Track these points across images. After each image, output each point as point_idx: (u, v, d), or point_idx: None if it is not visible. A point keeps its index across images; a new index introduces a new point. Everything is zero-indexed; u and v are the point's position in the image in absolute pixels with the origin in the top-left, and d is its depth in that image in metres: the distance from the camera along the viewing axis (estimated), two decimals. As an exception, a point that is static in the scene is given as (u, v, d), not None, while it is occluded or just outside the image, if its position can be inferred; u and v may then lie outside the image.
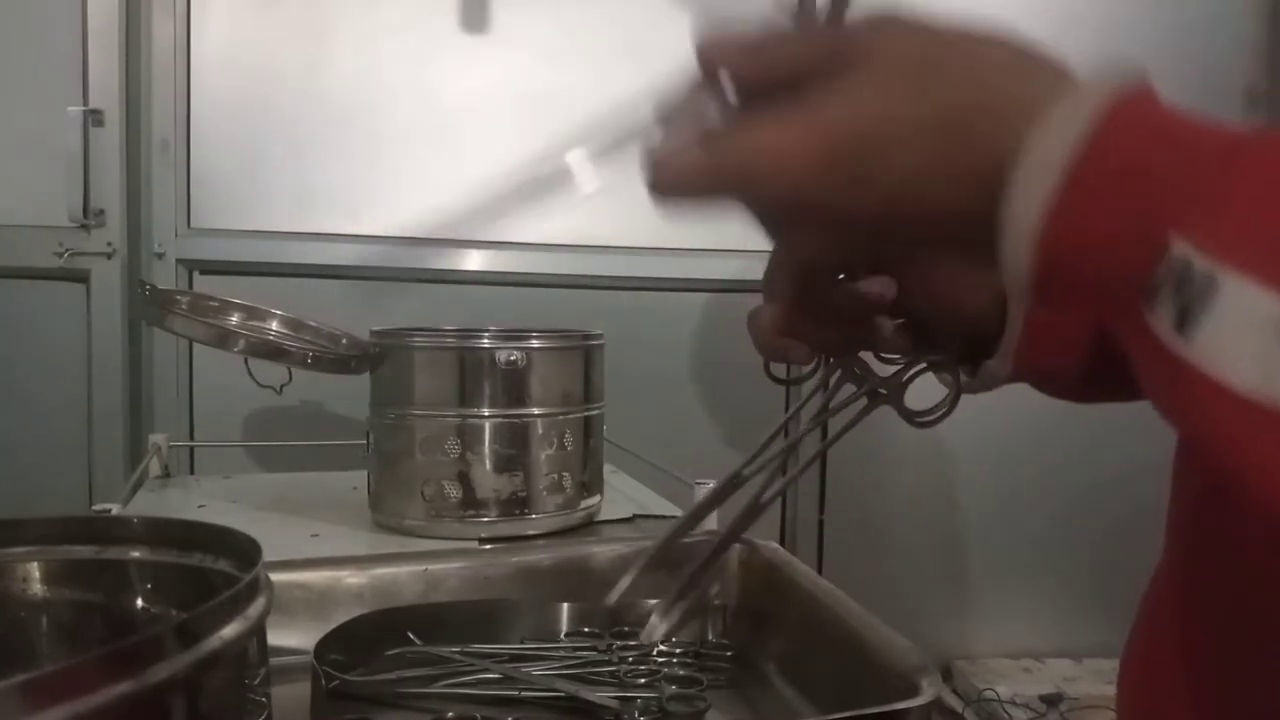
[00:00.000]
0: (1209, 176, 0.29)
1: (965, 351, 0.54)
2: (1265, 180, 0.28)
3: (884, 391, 0.56)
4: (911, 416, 0.56)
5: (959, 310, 0.52)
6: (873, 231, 0.35)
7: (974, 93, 0.33)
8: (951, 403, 0.56)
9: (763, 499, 0.62)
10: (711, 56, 0.40)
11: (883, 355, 0.56)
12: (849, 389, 0.58)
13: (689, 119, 0.41)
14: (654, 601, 0.77)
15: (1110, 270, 0.30)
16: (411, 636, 0.69)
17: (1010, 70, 0.34)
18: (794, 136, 0.34)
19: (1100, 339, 0.55)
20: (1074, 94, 0.31)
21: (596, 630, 0.74)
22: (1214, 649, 0.43)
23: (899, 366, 0.56)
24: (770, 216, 0.38)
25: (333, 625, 0.66)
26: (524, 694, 0.65)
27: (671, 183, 0.39)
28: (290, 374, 1.12)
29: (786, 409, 1.68)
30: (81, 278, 1.51)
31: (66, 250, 1.48)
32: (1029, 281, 0.32)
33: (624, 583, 0.68)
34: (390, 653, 0.68)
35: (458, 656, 0.68)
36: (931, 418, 0.56)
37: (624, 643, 0.72)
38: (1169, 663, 0.46)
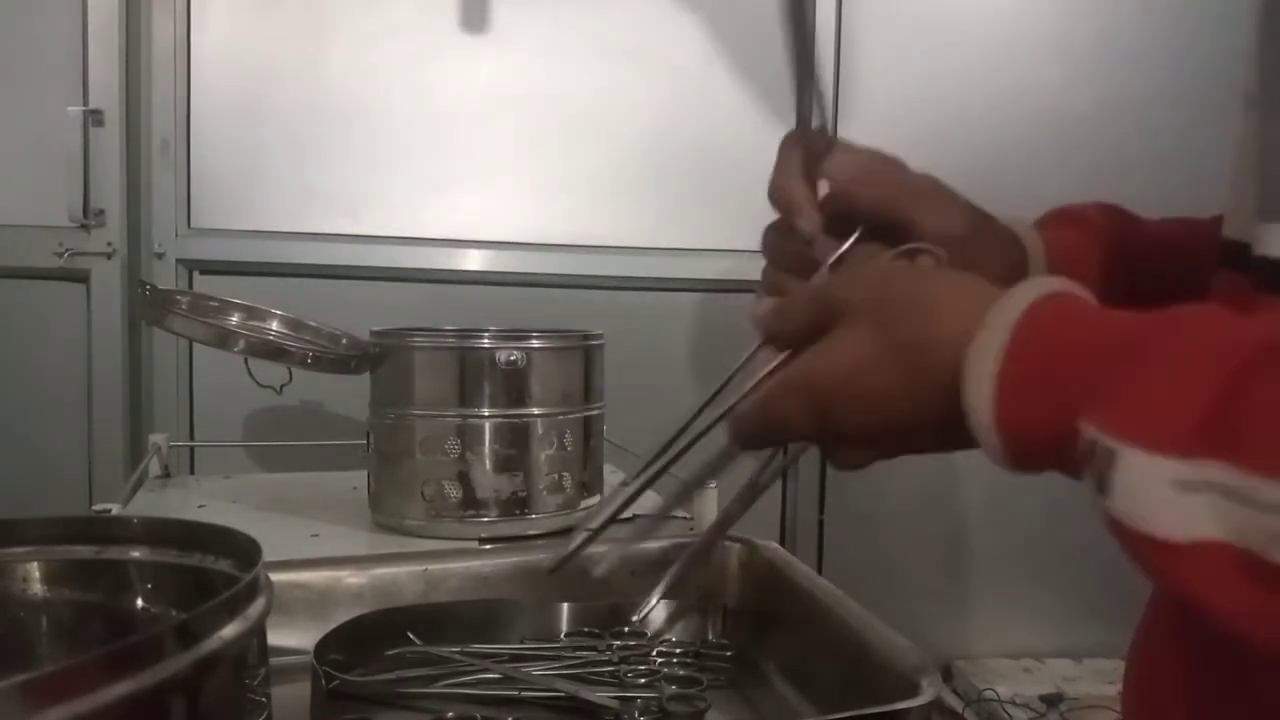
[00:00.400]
0: (1104, 369, 0.36)
1: None
2: (1148, 371, 0.35)
3: None
4: None
5: None
6: (855, 441, 0.46)
7: (925, 326, 0.42)
8: None
9: (761, 479, 0.65)
10: (758, 323, 0.52)
11: None
12: None
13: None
14: (667, 601, 0.77)
15: (1052, 449, 0.38)
16: (411, 636, 0.69)
17: (951, 303, 0.43)
18: (786, 391, 0.46)
19: None
20: (999, 314, 0.40)
21: (596, 630, 0.74)
22: (1215, 650, 0.43)
23: None
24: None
25: (333, 625, 0.66)
26: (524, 694, 0.65)
27: (738, 439, 0.55)
28: (290, 374, 1.12)
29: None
30: (81, 278, 1.51)
31: (66, 250, 1.48)
32: (1004, 459, 0.40)
33: (654, 599, 0.68)
34: (390, 653, 0.68)
35: (458, 656, 0.68)
36: None
37: (624, 643, 0.72)
38: (1171, 662, 0.46)
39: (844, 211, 0.55)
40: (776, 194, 0.57)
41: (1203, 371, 0.33)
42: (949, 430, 0.41)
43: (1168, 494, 0.33)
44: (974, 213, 0.58)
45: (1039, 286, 0.41)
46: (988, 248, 0.57)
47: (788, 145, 0.57)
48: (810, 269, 0.56)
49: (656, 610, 0.77)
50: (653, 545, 0.84)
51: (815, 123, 0.56)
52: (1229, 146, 0.48)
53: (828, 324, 0.45)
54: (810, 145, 0.55)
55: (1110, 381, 0.36)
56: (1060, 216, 0.65)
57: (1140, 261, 0.63)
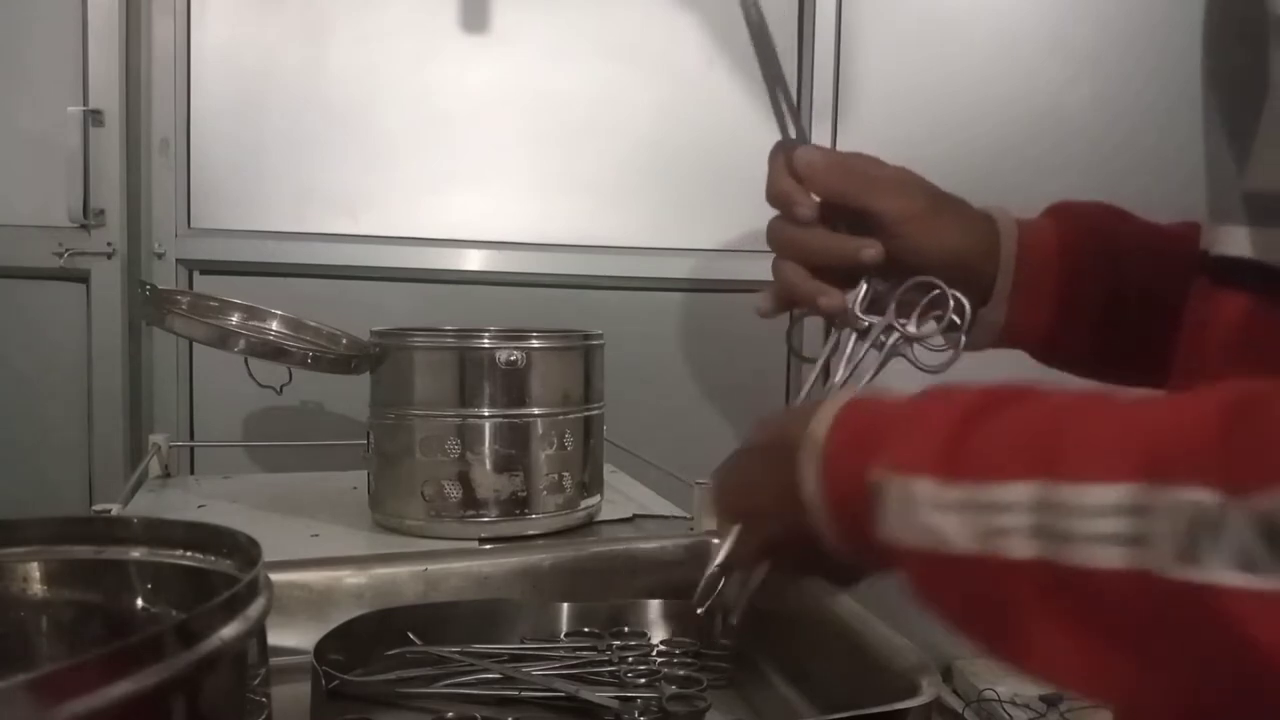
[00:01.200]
0: (882, 430, 0.45)
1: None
2: (906, 426, 0.44)
3: (898, 330, 0.63)
4: (923, 365, 0.64)
5: (949, 266, 0.63)
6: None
7: (770, 466, 0.51)
8: (956, 343, 0.63)
9: None
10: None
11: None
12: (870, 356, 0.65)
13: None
14: (655, 601, 0.77)
15: (856, 510, 0.45)
16: (411, 636, 0.69)
17: (777, 447, 0.51)
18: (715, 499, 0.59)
19: (1105, 314, 0.66)
20: (808, 440, 0.48)
21: (596, 630, 0.74)
22: None
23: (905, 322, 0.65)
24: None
25: (333, 625, 0.66)
26: (524, 694, 0.65)
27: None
28: (290, 374, 1.12)
29: (787, 399, 1.68)
30: (81, 278, 1.51)
31: (66, 250, 1.48)
32: (832, 536, 0.48)
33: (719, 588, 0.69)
34: (390, 653, 0.68)
35: (458, 656, 0.68)
36: (942, 359, 0.63)
37: (624, 643, 0.73)
38: None
39: (820, 204, 0.63)
40: (772, 194, 0.64)
41: (946, 417, 0.42)
42: (790, 520, 0.49)
43: (912, 509, 0.42)
44: (938, 196, 0.64)
45: (836, 401, 0.49)
46: (950, 220, 0.64)
47: (774, 154, 0.65)
48: (812, 257, 0.63)
49: (657, 610, 0.77)
50: (652, 545, 0.84)
51: (793, 134, 0.64)
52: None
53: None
54: (790, 149, 0.63)
55: (885, 437, 0.45)
56: (1050, 209, 0.68)
57: (1130, 260, 0.64)
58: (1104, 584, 0.35)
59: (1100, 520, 0.35)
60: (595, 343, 1.03)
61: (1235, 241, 0.46)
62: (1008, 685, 1.67)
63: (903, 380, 0.56)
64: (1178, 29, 1.73)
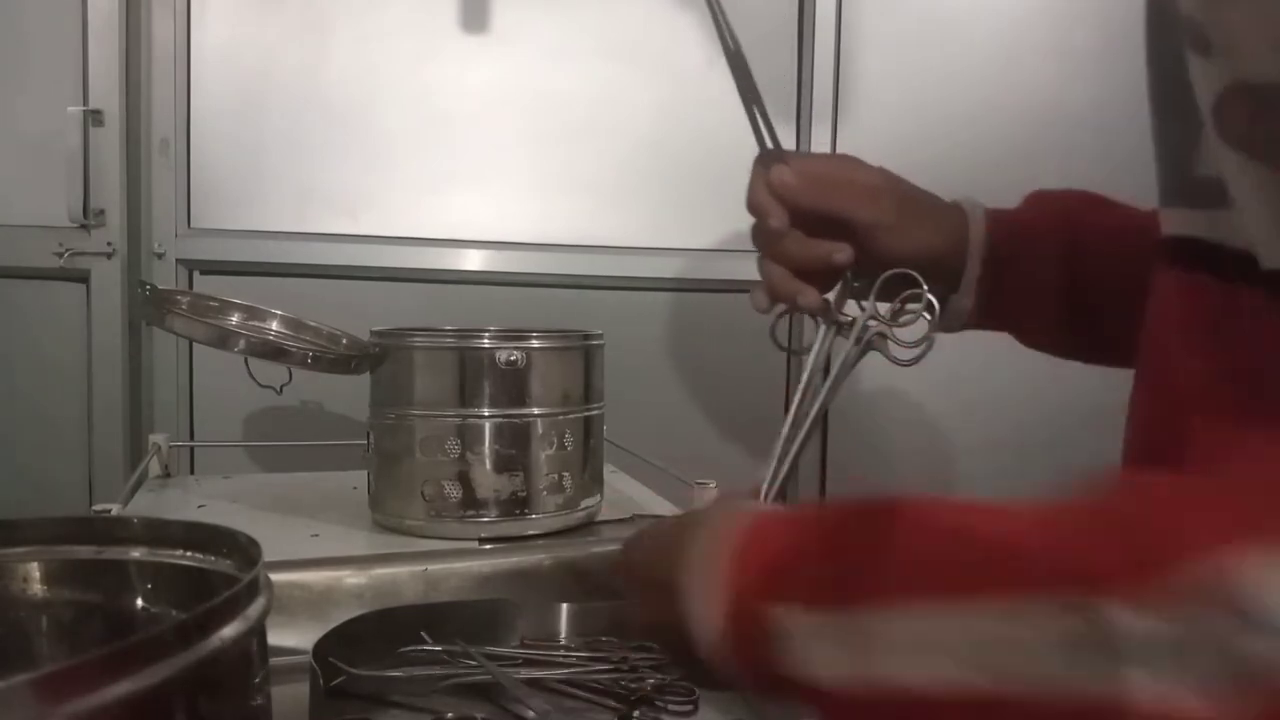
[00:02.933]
0: (787, 568, 0.44)
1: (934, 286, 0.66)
2: (800, 557, 0.45)
3: (876, 323, 0.66)
4: (896, 358, 0.66)
5: (917, 260, 0.66)
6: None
7: (669, 567, 0.51)
8: (928, 340, 0.64)
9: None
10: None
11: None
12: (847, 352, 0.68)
13: None
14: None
15: (750, 654, 0.45)
16: (413, 636, 0.69)
17: (684, 552, 0.51)
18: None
19: (1071, 290, 0.68)
20: (699, 561, 0.49)
21: (596, 630, 0.74)
22: None
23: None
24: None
25: (332, 625, 0.66)
26: (523, 694, 0.65)
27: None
28: (290, 374, 1.12)
29: (786, 399, 1.68)
30: (81, 278, 1.51)
31: (66, 250, 1.48)
32: (726, 664, 0.47)
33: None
34: (390, 652, 0.68)
35: (458, 656, 0.68)
36: (914, 354, 0.65)
37: (623, 642, 0.73)
38: None
39: (793, 211, 0.66)
40: (750, 206, 0.67)
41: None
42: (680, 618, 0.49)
43: (810, 642, 0.41)
44: (909, 199, 0.67)
45: (722, 529, 0.49)
46: (921, 225, 0.67)
47: (755, 165, 0.67)
48: (790, 260, 0.67)
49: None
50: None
51: (770, 144, 0.67)
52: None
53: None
54: (769, 163, 0.66)
55: (785, 571, 0.45)
56: (1026, 199, 0.71)
57: (1104, 243, 0.66)
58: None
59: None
60: (595, 343, 1.03)
61: (1183, 222, 0.48)
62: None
63: (880, 374, 0.57)
64: (1112, 20, 1.73)
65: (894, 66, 1.70)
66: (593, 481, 1.03)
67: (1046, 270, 0.68)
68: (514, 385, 0.96)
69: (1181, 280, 0.47)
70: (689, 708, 0.65)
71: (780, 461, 0.67)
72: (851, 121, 1.66)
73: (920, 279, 0.64)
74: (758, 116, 0.67)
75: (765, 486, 0.66)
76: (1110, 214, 0.69)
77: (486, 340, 0.97)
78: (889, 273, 0.66)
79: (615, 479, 1.22)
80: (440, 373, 0.97)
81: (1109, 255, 0.67)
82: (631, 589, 0.57)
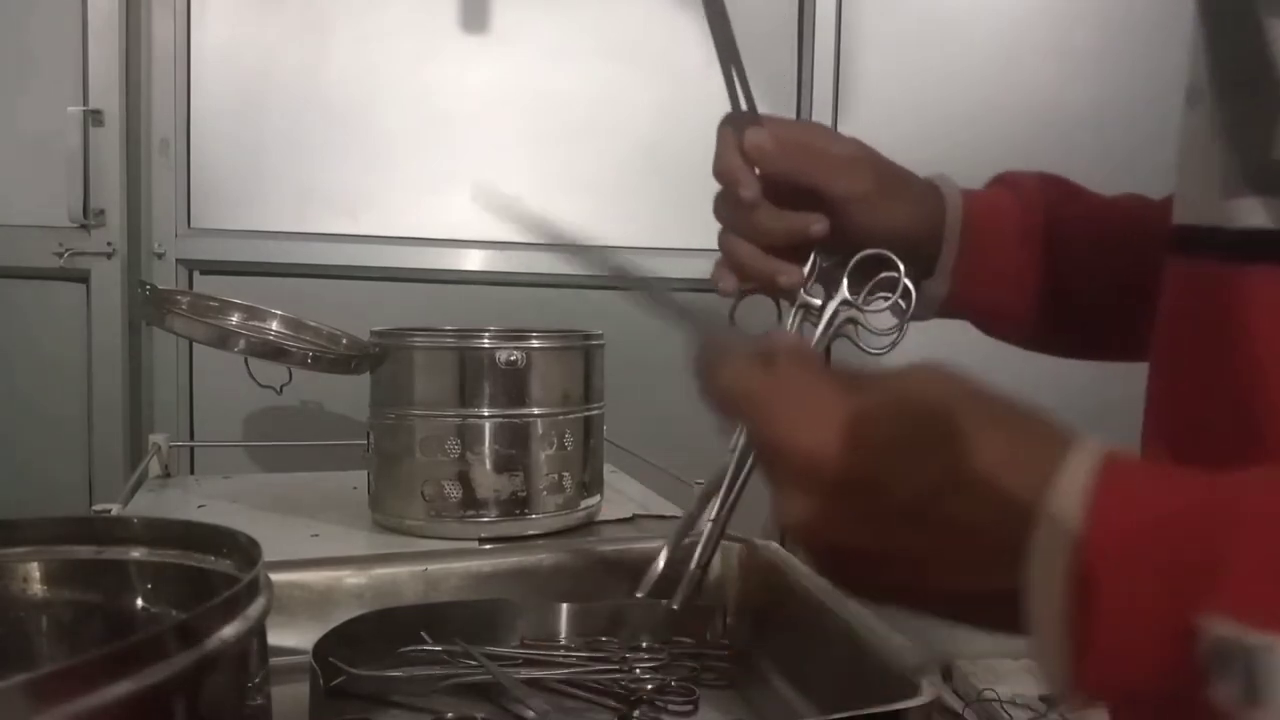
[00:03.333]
0: (1219, 547, 0.29)
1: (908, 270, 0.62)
2: (1270, 546, 0.29)
3: (850, 308, 0.62)
4: (866, 347, 0.62)
5: (895, 242, 0.61)
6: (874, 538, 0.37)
7: (972, 508, 0.34)
8: (901, 329, 0.62)
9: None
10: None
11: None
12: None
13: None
14: (663, 602, 0.77)
15: (1147, 662, 0.31)
16: (413, 635, 0.69)
17: (1022, 434, 0.35)
18: (838, 411, 0.37)
19: (1045, 284, 0.63)
20: (1055, 505, 0.32)
21: (596, 630, 0.74)
22: None
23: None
24: (777, 471, 0.39)
25: (332, 625, 0.66)
26: (523, 694, 0.65)
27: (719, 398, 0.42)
28: (290, 374, 1.12)
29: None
30: (81, 278, 1.51)
31: (66, 250, 1.48)
32: (1069, 682, 0.32)
33: (656, 568, 0.67)
34: (390, 652, 0.68)
35: (458, 656, 0.68)
36: (886, 343, 0.62)
37: (623, 642, 0.72)
38: None
39: (767, 179, 0.61)
40: (718, 170, 0.63)
41: None
42: (969, 583, 0.36)
43: None
44: (886, 172, 0.62)
45: (1088, 457, 0.33)
46: (898, 200, 0.62)
47: (722, 128, 0.63)
48: (760, 235, 0.62)
49: (657, 611, 0.76)
50: (652, 545, 0.84)
51: (744, 107, 0.62)
52: (1176, 141, 0.50)
53: (882, 383, 0.39)
54: (741, 125, 0.62)
55: (1241, 560, 0.29)
56: (995, 179, 0.68)
57: (1078, 231, 0.64)
58: None
59: None
60: (595, 343, 1.03)
61: (1253, 211, 0.43)
62: (1008, 685, 1.68)
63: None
64: (1177, 29, 1.73)
65: (894, 66, 1.70)
66: (593, 481, 1.03)
67: (1026, 257, 0.64)
68: (514, 385, 0.96)
69: (1255, 275, 0.43)
70: (689, 708, 0.65)
71: (739, 468, 0.59)
72: (851, 121, 1.66)
73: (898, 261, 0.60)
74: (734, 76, 0.62)
75: (721, 496, 0.59)
76: (1084, 201, 0.67)
77: (486, 340, 0.97)
78: (864, 253, 0.61)
79: (615, 479, 1.22)
80: (440, 373, 0.97)
81: (1091, 244, 0.64)
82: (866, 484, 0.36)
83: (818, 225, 0.60)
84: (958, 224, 0.63)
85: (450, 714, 0.63)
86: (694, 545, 0.64)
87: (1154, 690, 0.31)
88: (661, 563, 0.59)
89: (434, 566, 0.76)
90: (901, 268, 0.60)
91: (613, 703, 0.65)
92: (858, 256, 0.61)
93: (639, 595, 0.62)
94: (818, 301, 0.63)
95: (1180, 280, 0.49)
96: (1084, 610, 0.31)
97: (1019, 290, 0.65)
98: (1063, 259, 0.64)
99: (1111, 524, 0.31)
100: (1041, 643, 0.32)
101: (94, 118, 1.48)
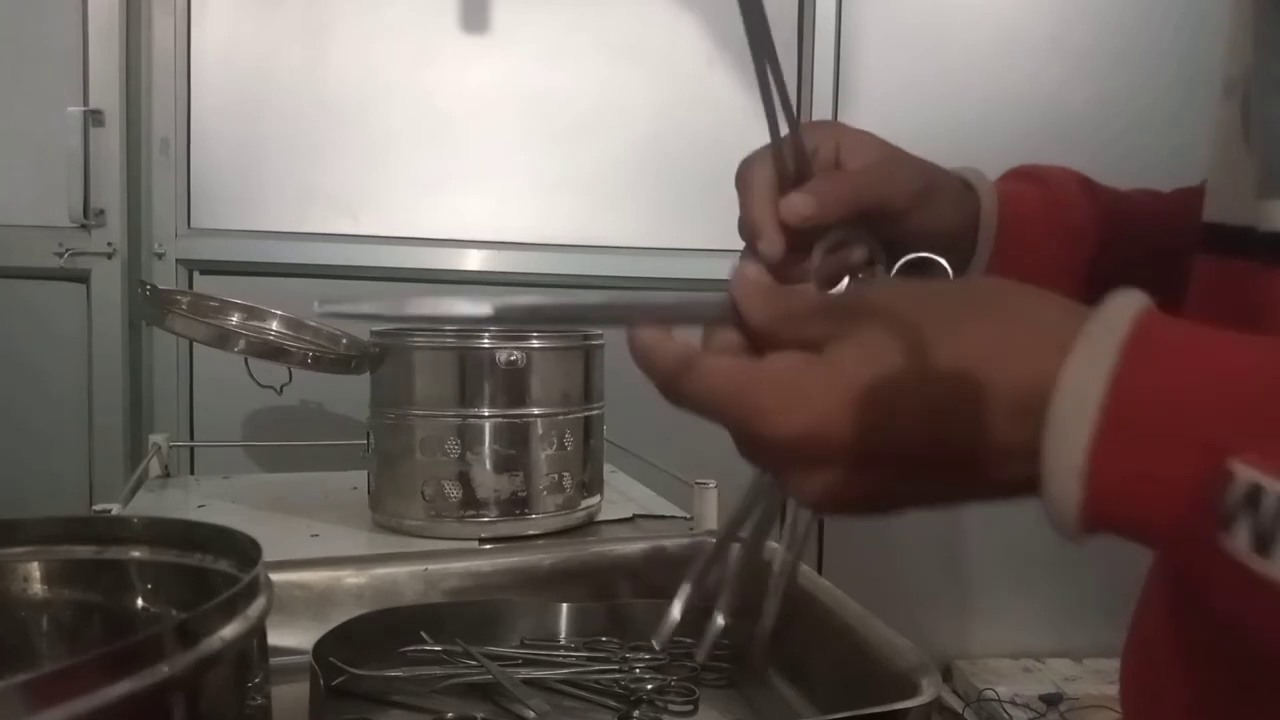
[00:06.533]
0: (1253, 396, 0.30)
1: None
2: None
3: None
4: None
5: (932, 241, 0.56)
6: (901, 470, 0.36)
7: (991, 336, 0.34)
8: None
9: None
10: (743, 302, 0.40)
11: None
12: None
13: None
14: (655, 602, 0.77)
15: (1167, 500, 0.31)
16: (413, 635, 0.69)
17: (1023, 312, 0.35)
18: (817, 384, 0.35)
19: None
20: (1096, 325, 0.32)
21: (596, 630, 0.74)
22: (1219, 647, 0.43)
23: None
24: (788, 461, 0.37)
25: (332, 625, 0.66)
26: (523, 694, 0.65)
27: (689, 399, 0.39)
28: (290, 374, 1.12)
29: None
30: (81, 278, 1.51)
31: (66, 250, 1.48)
32: (1079, 515, 0.32)
33: (672, 616, 0.55)
34: (390, 652, 0.68)
35: (458, 656, 0.68)
36: None
37: (623, 642, 0.73)
38: (1172, 660, 0.46)
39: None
40: (743, 220, 0.53)
41: None
42: (994, 472, 0.34)
43: None
44: (930, 179, 0.58)
45: (1135, 298, 0.33)
46: (939, 205, 0.57)
47: (757, 164, 0.53)
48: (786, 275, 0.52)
49: (657, 611, 0.76)
50: (652, 545, 0.84)
51: (781, 123, 0.53)
52: (1208, 133, 0.49)
53: (844, 333, 0.37)
54: (781, 165, 0.52)
55: (1268, 412, 0.29)
56: (1018, 173, 0.66)
57: (1103, 227, 0.63)
58: None
59: None
60: (595, 343, 1.03)
61: None
62: (1008, 685, 1.68)
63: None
64: (1177, 29, 1.73)
65: (894, 66, 1.70)
66: (593, 481, 1.03)
67: (1052, 250, 0.62)
68: (514, 385, 0.96)
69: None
70: (689, 708, 0.65)
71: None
72: (851, 121, 1.65)
73: (947, 266, 0.56)
74: (770, 77, 0.50)
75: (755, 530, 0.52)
76: (1104, 195, 0.67)
77: (486, 340, 0.97)
78: (909, 257, 0.56)
79: (615, 479, 1.22)
80: (440, 373, 0.97)
81: (1113, 236, 0.63)
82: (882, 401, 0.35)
83: (857, 256, 0.54)
84: (994, 221, 0.61)
85: (450, 714, 0.63)
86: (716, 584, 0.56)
87: (1166, 528, 0.31)
88: (678, 611, 0.52)
89: (434, 566, 0.76)
90: (950, 272, 0.56)
91: (613, 703, 0.65)
92: (903, 261, 0.56)
93: (656, 647, 0.55)
94: None
95: (1209, 278, 0.48)
96: (1116, 428, 0.30)
97: (1051, 284, 0.63)
98: (1090, 253, 0.63)
99: (1146, 358, 0.31)
100: (1061, 466, 0.32)
101: (94, 118, 1.48)
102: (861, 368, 0.35)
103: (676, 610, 0.51)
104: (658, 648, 0.54)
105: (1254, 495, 0.28)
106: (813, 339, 0.37)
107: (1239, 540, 0.29)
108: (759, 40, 0.47)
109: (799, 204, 0.51)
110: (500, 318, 0.41)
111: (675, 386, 0.40)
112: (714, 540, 0.54)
